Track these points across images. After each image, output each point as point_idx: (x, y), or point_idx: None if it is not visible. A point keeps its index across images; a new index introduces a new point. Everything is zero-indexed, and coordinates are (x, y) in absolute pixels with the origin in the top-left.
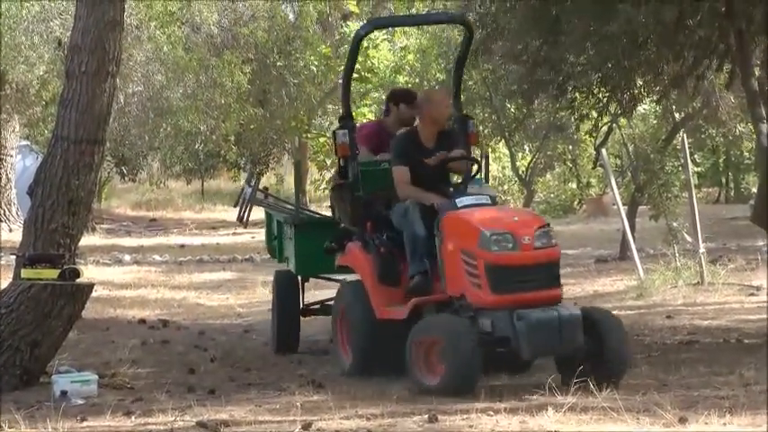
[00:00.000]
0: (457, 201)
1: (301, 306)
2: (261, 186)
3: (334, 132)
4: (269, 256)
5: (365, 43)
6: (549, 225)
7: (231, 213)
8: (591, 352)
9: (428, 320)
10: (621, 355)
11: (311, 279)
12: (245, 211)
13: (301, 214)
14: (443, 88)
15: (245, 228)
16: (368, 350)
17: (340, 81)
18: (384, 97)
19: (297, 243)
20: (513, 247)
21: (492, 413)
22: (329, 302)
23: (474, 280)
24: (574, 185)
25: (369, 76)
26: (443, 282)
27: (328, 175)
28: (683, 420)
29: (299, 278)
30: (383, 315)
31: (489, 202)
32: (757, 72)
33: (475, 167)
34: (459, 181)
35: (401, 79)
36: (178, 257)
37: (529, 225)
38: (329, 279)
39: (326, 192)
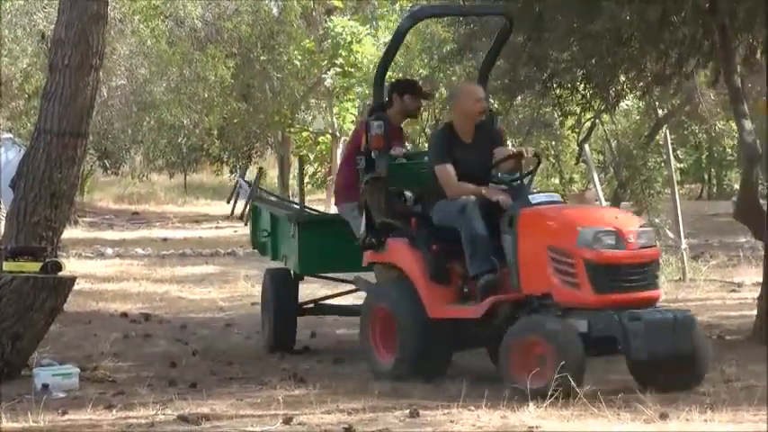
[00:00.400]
0: (531, 197)
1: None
2: (248, 180)
3: (366, 123)
4: (253, 250)
5: (348, 38)
6: (647, 225)
7: (214, 207)
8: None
9: (527, 322)
10: (706, 354)
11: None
12: (243, 208)
13: (305, 211)
14: (475, 82)
15: (246, 224)
16: (420, 350)
17: (323, 75)
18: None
19: (301, 241)
20: (619, 245)
21: (473, 408)
22: (323, 301)
23: (568, 279)
24: (557, 181)
25: (352, 70)
26: (516, 280)
27: (311, 169)
28: (663, 416)
29: (294, 276)
30: (438, 314)
31: (561, 199)
32: (740, 69)
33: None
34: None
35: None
36: (160, 251)
37: (631, 224)
38: (326, 278)
39: (309, 186)
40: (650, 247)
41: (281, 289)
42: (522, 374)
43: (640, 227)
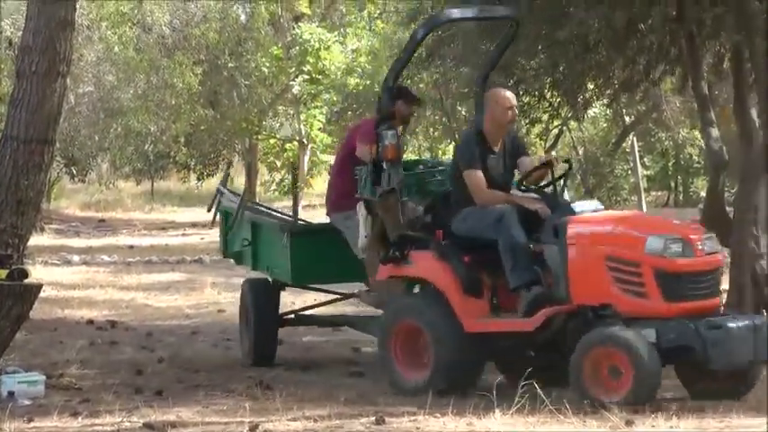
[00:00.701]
0: (573, 206)
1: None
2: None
3: (378, 133)
4: (222, 258)
5: (316, 45)
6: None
7: (180, 214)
8: None
9: (600, 333)
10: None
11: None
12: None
13: (297, 221)
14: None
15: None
16: (456, 363)
17: (291, 83)
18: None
19: (294, 251)
20: (686, 252)
21: (439, 415)
22: (304, 312)
23: (632, 288)
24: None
25: (320, 78)
26: (564, 291)
27: (278, 176)
28: (629, 423)
29: (275, 287)
30: (476, 328)
31: (603, 207)
32: (707, 76)
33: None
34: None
35: (352, 81)
36: (127, 258)
37: (696, 231)
38: (317, 289)
39: (276, 193)
40: (715, 253)
41: (261, 299)
42: (597, 386)
43: (705, 233)
